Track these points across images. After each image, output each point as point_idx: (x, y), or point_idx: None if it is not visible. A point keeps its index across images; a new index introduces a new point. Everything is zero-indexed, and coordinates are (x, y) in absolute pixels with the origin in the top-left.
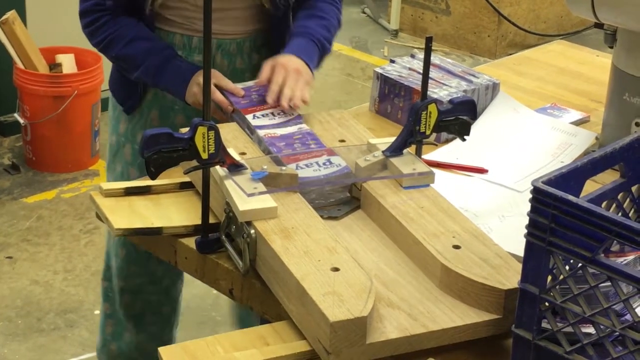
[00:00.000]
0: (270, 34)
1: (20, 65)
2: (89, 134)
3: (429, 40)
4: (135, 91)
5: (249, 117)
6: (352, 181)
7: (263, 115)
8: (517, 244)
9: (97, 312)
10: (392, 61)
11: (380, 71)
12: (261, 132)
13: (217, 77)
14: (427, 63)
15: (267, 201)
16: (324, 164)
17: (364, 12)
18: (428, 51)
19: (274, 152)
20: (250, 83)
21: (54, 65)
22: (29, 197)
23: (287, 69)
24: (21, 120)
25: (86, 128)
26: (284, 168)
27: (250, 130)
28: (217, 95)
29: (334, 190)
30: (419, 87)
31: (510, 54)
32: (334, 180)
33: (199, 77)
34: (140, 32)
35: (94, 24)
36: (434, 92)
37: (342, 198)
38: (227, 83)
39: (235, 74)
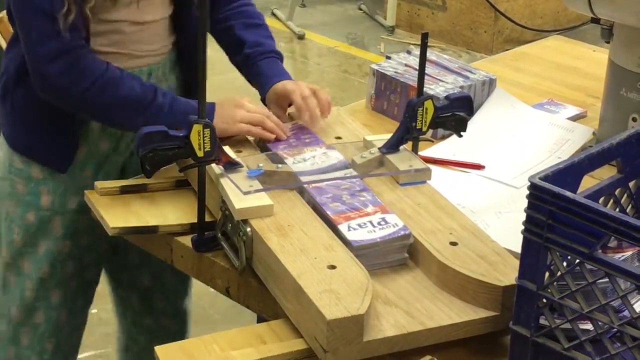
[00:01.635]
0: (181, 45)
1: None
2: None
3: (424, 37)
4: (67, 144)
5: (289, 161)
6: (352, 177)
7: (304, 160)
8: (514, 241)
9: (95, 310)
10: (388, 57)
11: (376, 68)
12: (304, 179)
13: (265, 112)
14: (423, 59)
15: (263, 199)
16: (378, 223)
17: (360, 9)
18: (424, 47)
19: (319, 205)
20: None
21: None
22: None
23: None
24: None
25: None
26: (280, 166)
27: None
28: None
29: (390, 250)
30: (414, 84)
31: (507, 50)
32: (389, 243)
33: (229, 112)
34: (123, 70)
35: (75, 66)
36: (430, 88)
37: (400, 259)
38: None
39: None
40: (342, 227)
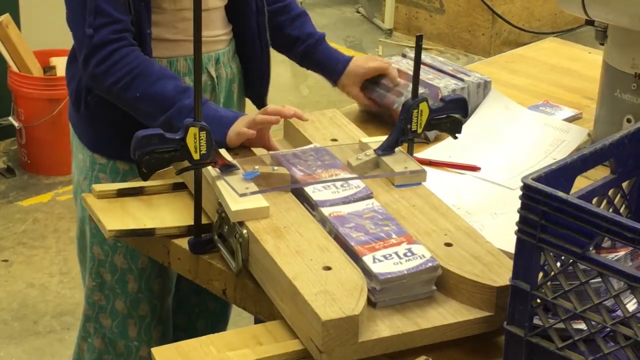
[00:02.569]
0: (238, 34)
1: (14, 68)
2: None
3: (419, 39)
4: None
5: (309, 189)
6: (350, 178)
7: (324, 188)
8: (509, 241)
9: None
10: None
11: None
12: (325, 211)
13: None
14: (417, 61)
15: (259, 201)
16: (404, 254)
17: (358, 12)
18: (419, 49)
19: (341, 235)
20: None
21: (48, 68)
22: (25, 201)
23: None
24: (16, 124)
25: None
26: (275, 168)
27: (309, 204)
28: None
29: (418, 283)
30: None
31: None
32: (416, 275)
33: (238, 126)
34: (162, 68)
35: (110, 57)
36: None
37: (428, 292)
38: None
39: (227, 87)
40: (367, 259)
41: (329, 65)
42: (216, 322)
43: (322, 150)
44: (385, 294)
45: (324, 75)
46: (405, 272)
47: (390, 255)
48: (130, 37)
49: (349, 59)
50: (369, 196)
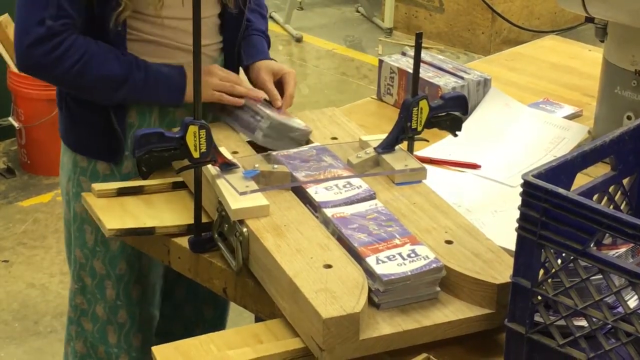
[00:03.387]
0: (227, 44)
1: (13, 68)
2: None
3: (418, 37)
4: (113, 137)
5: (311, 190)
6: (350, 176)
7: (326, 189)
8: (510, 239)
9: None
10: (381, 61)
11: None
12: (328, 212)
13: (233, 80)
14: (417, 60)
15: (259, 199)
16: (408, 255)
17: (358, 11)
18: (418, 48)
19: (344, 237)
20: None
21: None
22: (25, 201)
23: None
24: (16, 124)
25: None
26: (275, 166)
27: (312, 206)
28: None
29: (422, 284)
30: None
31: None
32: (420, 276)
33: (208, 72)
34: (110, 47)
35: (60, 46)
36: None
37: (432, 293)
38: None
39: None
40: (370, 260)
41: (249, 52)
42: (213, 330)
43: (323, 150)
44: (388, 295)
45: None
46: (409, 273)
47: (394, 256)
48: (74, 29)
49: (263, 59)
50: (372, 197)
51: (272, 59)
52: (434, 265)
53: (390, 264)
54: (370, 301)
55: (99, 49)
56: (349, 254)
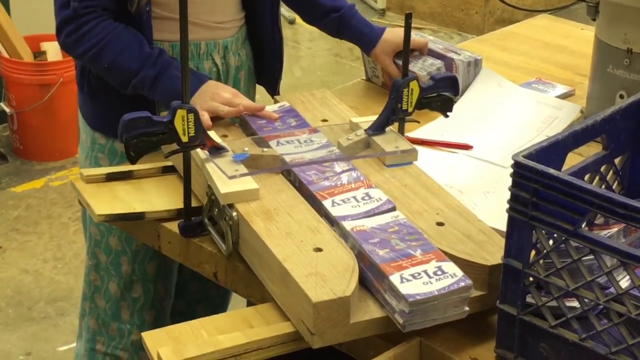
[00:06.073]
0: (249, 22)
1: (4, 54)
2: (76, 121)
3: (408, 17)
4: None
5: (327, 203)
6: (339, 159)
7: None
8: (502, 220)
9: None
10: None
11: None
12: (347, 225)
13: (239, 97)
14: (407, 40)
15: (248, 183)
16: (434, 273)
17: None
18: (408, 28)
19: (366, 252)
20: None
21: (39, 54)
22: (17, 186)
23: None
24: (7, 110)
25: (73, 115)
26: (265, 149)
27: (328, 219)
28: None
29: (449, 304)
30: None
31: None
32: (448, 296)
33: (211, 90)
34: (135, 36)
35: (80, 28)
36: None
37: (461, 312)
38: (253, 105)
39: (234, 75)
40: (394, 279)
41: (365, 33)
42: (216, 309)
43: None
44: (414, 316)
45: (359, 43)
46: (436, 292)
47: (419, 274)
48: (102, 11)
49: (384, 28)
50: (392, 209)
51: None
52: (462, 284)
53: (416, 283)
54: (395, 323)
55: (120, 37)
56: (369, 271)
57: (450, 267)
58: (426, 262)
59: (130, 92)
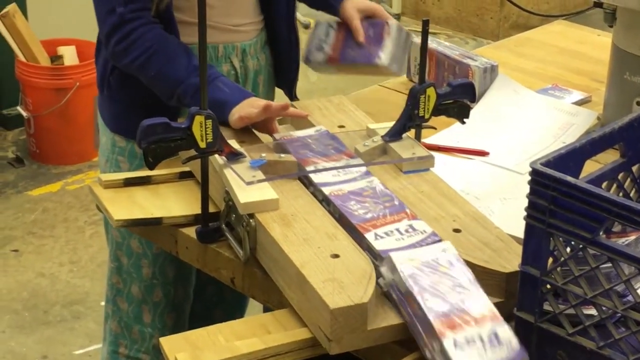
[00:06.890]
0: (269, 25)
1: (21, 58)
2: (92, 125)
3: (425, 24)
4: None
5: (369, 236)
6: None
7: (387, 234)
8: (519, 226)
9: (104, 303)
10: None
11: None
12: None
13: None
14: (424, 46)
15: (268, 193)
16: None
17: None
18: (425, 34)
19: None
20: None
21: (56, 58)
22: (34, 190)
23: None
24: (24, 113)
25: (89, 119)
26: (282, 155)
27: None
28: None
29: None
30: None
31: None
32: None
33: (244, 109)
34: (177, 45)
35: (128, 36)
36: None
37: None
38: (279, 104)
39: (253, 79)
40: (447, 344)
41: None
42: (233, 312)
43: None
44: None
45: (327, 7)
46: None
47: (474, 339)
48: (149, 14)
49: None
50: (439, 240)
51: None
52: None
53: (469, 351)
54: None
55: (168, 45)
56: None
57: (505, 331)
58: (480, 320)
59: (174, 103)
